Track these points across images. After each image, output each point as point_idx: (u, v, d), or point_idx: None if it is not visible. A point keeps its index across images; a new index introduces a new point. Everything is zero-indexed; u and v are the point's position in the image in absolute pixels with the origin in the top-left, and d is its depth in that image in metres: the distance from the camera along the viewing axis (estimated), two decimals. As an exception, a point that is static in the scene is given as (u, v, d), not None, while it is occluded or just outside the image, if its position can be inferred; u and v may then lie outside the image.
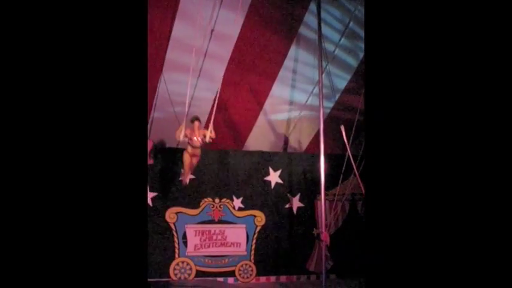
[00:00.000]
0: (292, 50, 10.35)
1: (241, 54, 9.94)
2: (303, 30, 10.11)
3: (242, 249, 11.36)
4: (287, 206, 11.79)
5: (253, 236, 11.45)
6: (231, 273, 11.18)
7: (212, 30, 9.35)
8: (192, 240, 11.07)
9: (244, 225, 11.44)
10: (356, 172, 8.87)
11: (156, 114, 10.47)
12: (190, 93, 9.49)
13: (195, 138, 8.99)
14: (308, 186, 11.79)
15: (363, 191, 8.87)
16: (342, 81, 10.81)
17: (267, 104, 11.05)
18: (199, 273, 10.98)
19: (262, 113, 11.19)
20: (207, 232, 11.19)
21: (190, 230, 11.09)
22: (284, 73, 10.64)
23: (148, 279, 10.38)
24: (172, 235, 10.95)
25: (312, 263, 11.61)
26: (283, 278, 11.56)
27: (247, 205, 11.51)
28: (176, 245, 10.93)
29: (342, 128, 8.71)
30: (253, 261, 11.38)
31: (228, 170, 11.48)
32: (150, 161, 10.70)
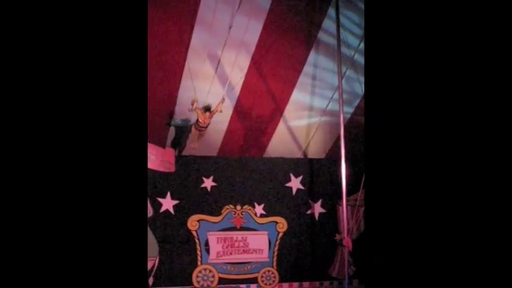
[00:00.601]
0: (312, 56, 10.34)
1: (260, 61, 9.96)
2: (321, 35, 10.11)
3: (264, 256, 11.34)
4: (309, 212, 11.76)
5: (276, 242, 11.44)
6: (254, 280, 11.17)
7: (229, 37, 9.38)
8: (215, 247, 11.09)
9: (266, 232, 11.43)
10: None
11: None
12: (210, 101, 9.57)
13: (202, 121, 9.76)
14: (329, 191, 11.75)
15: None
16: (362, 86, 10.77)
17: (287, 111, 11.04)
18: (222, 281, 10.99)
19: (282, 120, 11.18)
20: (229, 239, 11.21)
21: (213, 238, 11.11)
22: (303, 79, 10.63)
23: (172, 287, 10.45)
24: (195, 243, 10.97)
25: (335, 269, 11.56)
26: (306, 284, 11.51)
27: (269, 212, 11.49)
28: (199, 253, 10.96)
29: None
30: (275, 267, 11.37)
31: (249, 177, 11.48)
32: (172, 169, 10.77)
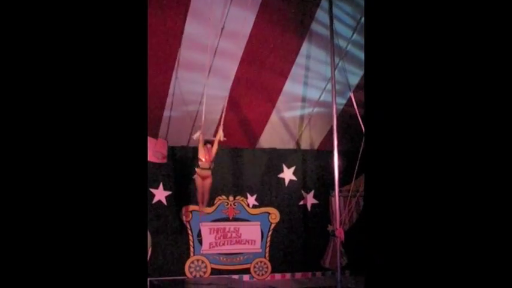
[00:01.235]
0: (305, 47, 10.33)
1: (253, 52, 9.94)
2: (314, 26, 10.10)
3: (257, 247, 11.38)
4: (301, 202, 11.80)
5: (268, 233, 11.47)
6: (246, 271, 11.21)
7: (223, 28, 9.36)
8: (207, 238, 11.10)
9: (258, 223, 11.46)
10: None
11: (168, 113, 10.49)
12: (202, 92, 9.55)
13: (203, 159, 9.24)
14: (322, 182, 11.78)
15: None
16: (355, 77, 10.77)
17: (280, 102, 11.04)
18: (214, 271, 11.02)
19: (275, 111, 11.19)
20: (221, 230, 11.23)
21: (205, 228, 11.12)
22: (296, 70, 10.63)
23: (164, 278, 10.46)
24: (187, 233, 10.98)
25: (327, 260, 11.61)
26: (298, 275, 11.57)
27: (262, 202, 11.52)
28: (191, 243, 10.97)
29: (352, 95, 8.67)
30: (268, 258, 11.41)
31: (241, 168, 11.49)
32: (165, 160, 10.73)
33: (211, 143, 9.30)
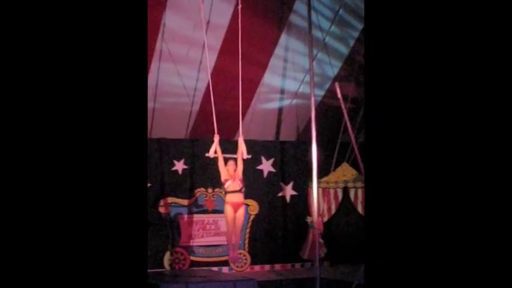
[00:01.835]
0: (283, 39, 10.34)
1: (232, 43, 9.90)
2: (293, 18, 10.11)
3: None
4: (280, 194, 11.81)
5: (247, 225, 11.47)
6: (225, 263, 11.16)
7: (207, 21, 9.32)
8: (186, 230, 11.07)
9: (237, 215, 11.43)
10: (357, 154, 8.82)
11: (152, 105, 10.41)
12: (183, 83, 9.50)
13: (229, 180, 8.04)
14: (301, 174, 11.80)
15: (362, 173, 8.93)
16: (333, 69, 10.80)
17: (259, 93, 11.04)
18: (193, 263, 10.98)
19: (253, 102, 11.17)
20: (200, 222, 11.20)
21: (184, 220, 11.09)
22: (275, 62, 10.65)
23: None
24: (166, 226, 10.93)
25: (306, 251, 11.63)
26: (277, 266, 11.60)
27: (241, 194, 11.48)
28: (170, 236, 10.93)
29: (337, 85, 8.62)
30: (247, 250, 11.42)
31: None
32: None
33: (234, 160, 8.26)
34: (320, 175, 9.98)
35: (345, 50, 10.76)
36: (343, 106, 8.93)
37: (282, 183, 11.82)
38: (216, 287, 8.09)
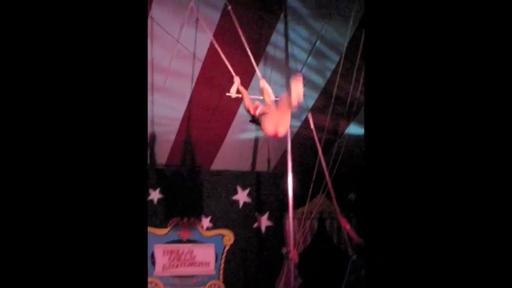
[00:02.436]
0: (260, 69, 10.39)
1: (209, 73, 9.96)
2: (270, 49, 10.18)
3: (211, 269, 11.29)
4: (255, 225, 11.78)
5: (222, 255, 11.41)
6: (200, 293, 11.11)
7: (180, 50, 9.37)
8: (161, 260, 10.97)
9: (212, 245, 11.39)
10: (329, 186, 8.87)
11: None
12: (157, 112, 9.50)
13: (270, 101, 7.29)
14: (276, 205, 11.81)
15: (336, 208, 8.98)
16: (309, 100, 10.87)
17: (235, 123, 11.06)
18: (168, 294, 10.89)
19: (230, 132, 11.19)
20: (175, 252, 11.11)
21: (159, 250, 10.99)
22: (252, 92, 10.67)
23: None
24: (140, 255, 10.80)
25: (281, 281, 11.59)
26: (252, 297, 11.53)
27: (216, 224, 11.46)
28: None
29: (309, 116, 8.64)
30: (222, 280, 11.33)
31: (196, 189, 11.42)
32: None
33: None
34: (296, 205, 9.96)
35: (321, 81, 10.84)
36: (315, 137, 8.98)
37: (257, 214, 11.80)
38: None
